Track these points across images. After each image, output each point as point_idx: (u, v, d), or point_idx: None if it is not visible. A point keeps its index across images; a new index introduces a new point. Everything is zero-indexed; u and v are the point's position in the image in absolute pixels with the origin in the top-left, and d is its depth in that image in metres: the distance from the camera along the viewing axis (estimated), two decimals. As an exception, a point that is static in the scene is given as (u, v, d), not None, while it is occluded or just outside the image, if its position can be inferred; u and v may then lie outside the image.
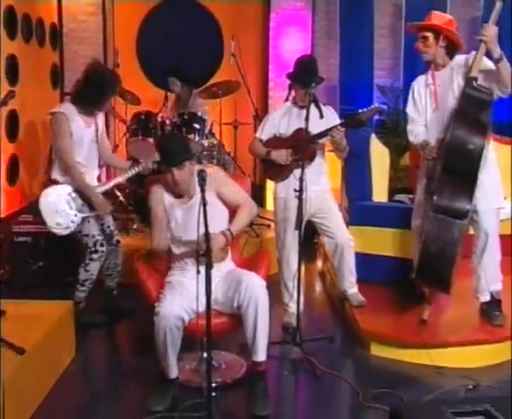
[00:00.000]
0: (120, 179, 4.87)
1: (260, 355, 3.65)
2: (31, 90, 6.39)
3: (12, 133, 6.06)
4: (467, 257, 4.46)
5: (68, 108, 4.63)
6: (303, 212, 4.30)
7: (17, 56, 6.11)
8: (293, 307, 4.61)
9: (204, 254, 2.98)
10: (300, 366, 4.23)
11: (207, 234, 2.96)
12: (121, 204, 6.76)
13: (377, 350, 4.37)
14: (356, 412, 3.70)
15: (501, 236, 5.03)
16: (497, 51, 4.03)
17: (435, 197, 4.19)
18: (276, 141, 4.78)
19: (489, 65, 4.14)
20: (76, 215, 4.60)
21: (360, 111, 4.54)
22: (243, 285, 3.59)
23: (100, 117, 4.85)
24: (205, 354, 3.44)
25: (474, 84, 4.10)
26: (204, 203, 3.08)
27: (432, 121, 4.47)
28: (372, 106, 4.63)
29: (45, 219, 4.60)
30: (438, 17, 4.42)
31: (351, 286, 4.91)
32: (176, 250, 3.93)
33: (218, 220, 3.83)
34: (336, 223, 4.80)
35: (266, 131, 4.83)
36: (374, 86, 7.99)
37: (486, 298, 4.52)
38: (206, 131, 6.22)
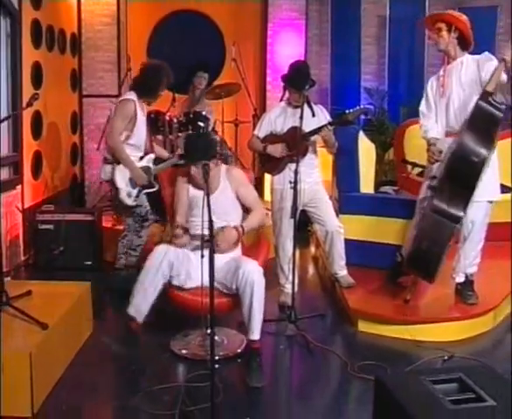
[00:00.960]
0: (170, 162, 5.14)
1: (255, 334, 3.68)
2: (53, 93, 6.39)
3: (36, 131, 6.06)
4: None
5: (134, 96, 4.84)
6: (298, 202, 4.33)
7: (41, 63, 6.10)
8: (288, 288, 4.63)
9: (208, 240, 2.98)
10: (294, 341, 4.26)
11: (210, 221, 2.97)
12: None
13: (364, 327, 4.40)
14: (345, 382, 3.72)
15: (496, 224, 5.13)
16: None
17: (435, 198, 4.17)
18: (272, 138, 4.80)
19: (504, 77, 4.05)
20: (139, 191, 4.88)
21: (347, 111, 4.56)
22: (241, 269, 3.62)
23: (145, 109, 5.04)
24: (209, 331, 3.45)
25: (490, 99, 3.99)
26: (208, 194, 3.09)
27: (440, 110, 4.42)
28: (358, 108, 4.65)
29: (119, 188, 4.81)
30: (452, 13, 4.35)
31: (341, 269, 4.93)
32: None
33: (233, 215, 3.97)
34: (327, 212, 4.82)
35: (263, 128, 4.85)
36: (361, 89, 7.99)
37: (461, 279, 4.55)
38: (210, 128, 6.22)
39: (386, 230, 5.20)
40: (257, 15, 8.08)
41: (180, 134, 6.23)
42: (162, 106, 6.61)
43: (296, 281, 4.55)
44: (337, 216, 5.22)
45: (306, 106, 4.53)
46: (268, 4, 7.81)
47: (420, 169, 6.00)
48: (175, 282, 3.80)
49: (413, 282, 4.46)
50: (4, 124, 5.24)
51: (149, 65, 5.03)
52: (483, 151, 3.99)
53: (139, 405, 3.33)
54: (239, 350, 4.02)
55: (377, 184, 6.17)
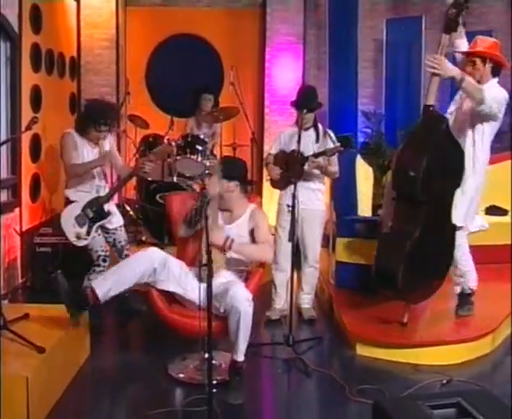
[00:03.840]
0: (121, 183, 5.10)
1: (239, 356, 3.71)
2: (52, 116, 6.41)
3: (35, 154, 6.07)
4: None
5: (74, 132, 4.74)
6: (295, 225, 4.35)
7: (41, 86, 6.13)
8: (276, 303, 4.99)
9: (205, 264, 2.99)
10: (292, 364, 4.23)
11: (208, 247, 2.98)
12: (130, 218, 6.77)
13: (362, 350, 4.38)
14: (343, 405, 3.70)
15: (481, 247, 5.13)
16: (457, 76, 4.05)
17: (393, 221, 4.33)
18: (277, 157, 4.96)
19: None
20: (89, 227, 4.65)
21: (326, 149, 4.67)
22: (228, 294, 3.61)
23: (108, 139, 4.84)
24: (207, 355, 3.45)
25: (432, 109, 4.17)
26: (206, 217, 3.10)
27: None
28: (334, 146, 4.68)
29: (66, 233, 4.65)
30: (483, 43, 4.36)
31: (308, 302, 5.12)
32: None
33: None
34: (311, 247, 4.91)
35: (274, 147, 5.06)
36: (359, 112, 8.03)
37: (457, 290, 4.65)
38: (207, 152, 6.24)
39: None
40: (255, 39, 8.15)
41: (178, 158, 6.25)
42: (160, 130, 6.66)
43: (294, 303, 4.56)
44: (335, 239, 5.24)
45: (312, 130, 4.78)
46: (266, 29, 7.88)
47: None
48: (161, 287, 3.82)
49: (408, 305, 4.45)
50: (3, 147, 5.25)
51: (89, 102, 4.95)
52: (419, 162, 4.04)
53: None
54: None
55: (375, 207, 6.18)
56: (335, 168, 4.83)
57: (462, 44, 4.47)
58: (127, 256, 4.92)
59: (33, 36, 6.00)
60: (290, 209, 4.32)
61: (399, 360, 4.20)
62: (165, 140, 6.24)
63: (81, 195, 4.70)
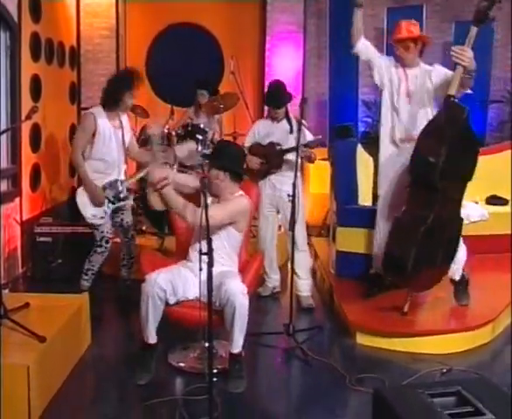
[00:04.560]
0: (144, 171, 4.91)
1: (235, 348, 3.72)
2: (52, 105, 6.40)
3: (35, 144, 6.07)
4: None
5: (98, 109, 4.71)
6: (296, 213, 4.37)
7: (40, 76, 6.11)
8: (267, 281, 5.35)
9: (205, 253, 2.98)
10: (292, 354, 4.24)
11: (208, 235, 2.97)
12: (131, 207, 6.77)
13: (362, 339, 4.39)
14: (343, 394, 3.71)
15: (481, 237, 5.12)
16: (473, 68, 4.10)
17: (407, 203, 4.30)
18: (255, 148, 5.12)
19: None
20: (108, 206, 4.69)
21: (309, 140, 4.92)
22: (223, 288, 3.60)
23: (125, 119, 4.86)
24: (207, 344, 3.45)
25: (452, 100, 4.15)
26: (206, 205, 3.09)
27: (403, 112, 4.58)
28: (316, 138, 4.99)
29: (82, 210, 4.67)
30: (414, 27, 4.54)
31: (305, 289, 5.15)
32: (190, 248, 4.00)
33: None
34: (299, 229, 4.89)
35: (248, 140, 5.22)
36: (359, 101, 8.01)
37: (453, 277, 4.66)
38: (208, 141, 6.22)
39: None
40: (255, 28, 8.13)
41: (177, 146, 6.24)
42: (161, 119, 6.65)
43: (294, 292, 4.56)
44: (335, 228, 5.24)
45: (285, 121, 5.02)
46: (266, 18, 7.86)
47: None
48: (172, 301, 3.78)
49: (409, 294, 4.46)
50: (3, 136, 5.27)
51: (113, 75, 4.92)
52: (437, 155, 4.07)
53: (137, 418, 3.32)
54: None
55: (376, 196, 6.16)
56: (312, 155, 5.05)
57: None
58: (132, 237, 5.02)
59: (33, 25, 5.98)
60: (290, 198, 4.31)
61: (399, 350, 4.21)
62: (165, 130, 6.25)
63: (98, 176, 4.68)
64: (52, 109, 6.43)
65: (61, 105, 6.94)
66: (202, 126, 6.27)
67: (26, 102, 5.64)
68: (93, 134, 4.61)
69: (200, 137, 6.04)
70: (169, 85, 7.66)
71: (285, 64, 7.82)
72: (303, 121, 4.82)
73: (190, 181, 4.07)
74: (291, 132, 4.97)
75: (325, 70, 7.94)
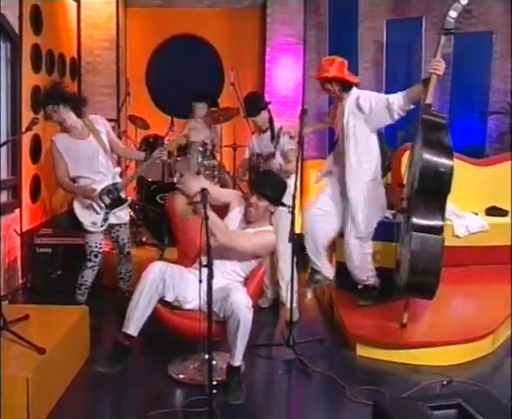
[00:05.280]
0: (139, 170, 5.22)
1: (236, 361, 3.71)
2: (52, 116, 6.41)
3: (35, 155, 6.08)
4: (444, 266, 4.46)
5: (57, 135, 4.71)
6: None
7: (41, 87, 6.11)
8: (267, 292, 5.34)
9: (206, 265, 2.98)
10: (293, 365, 4.24)
11: (208, 247, 2.97)
12: (130, 218, 6.77)
13: (363, 351, 4.39)
14: (343, 406, 3.70)
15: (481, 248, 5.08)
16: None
17: (413, 218, 4.21)
18: (243, 162, 5.44)
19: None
20: (106, 214, 4.72)
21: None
22: (229, 300, 3.59)
23: (103, 125, 4.83)
24: (207, 356, 3.45)
25: (431, 110, 4.28)
26: (206, 217, 3.10)
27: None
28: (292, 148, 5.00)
29: (81, 219, 4.71)
30: (327, 67, 4.72)
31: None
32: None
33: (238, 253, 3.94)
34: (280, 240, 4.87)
35: (246, 153, 5.41)
36: (359, 113, 8.01)
37: None
38: (208, 153, 6.24)
39: (384, 254, 5.19)
40: (255, 40, 8.15)
41: (178, 158, 6.27)
42: (160, 131, 6.66)
43: (295, 304, 4.56)
44: (335, 240, 5.24)
45: (269, 131, 5.10)
46: (266, 29, 7.87)
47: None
48: (168, 298, 3.79)
49: (407, 305, 4.45)
50: (3, 148, 5.28)
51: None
52: (446, 159, 4.12)
53: (136, 431, 3.31)
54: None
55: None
56: (289, 166, 4.95)
57: None
58: (128, 253, 4.99)
59: (34, 36, 6.01)
60: (290, 209, 4.31)
61: (399, 361, 4.21)
62: (165, 141, 6.26)
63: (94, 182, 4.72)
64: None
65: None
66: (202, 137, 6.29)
67: (27, 113, 5.66)
68: (62, 157, 4.64)
69: (200, 149, 6.06)
70: (169, 97, 7.67)
71: (285, 75, 7.84)
72: (290, 131, 4.98)
73: (223, 195, 4.12)
74: (271, 140, 5.05)
75: (325, 81, 7.94)
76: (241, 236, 3.92)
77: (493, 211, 6.48)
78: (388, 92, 7.79)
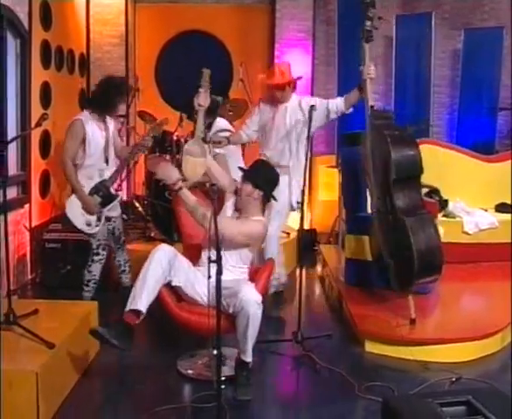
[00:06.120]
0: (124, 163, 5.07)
1: (247, 357, 3.70)
2: (62, 112, 6.41)
3: (44, 150, 6.10)
4: (453, 263, 4.47)
5: (85, 115, 4.75)
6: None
7: (50, 83, 6.15)
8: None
9: (214, 261, 2.98)
10: (301, 361, 4.23)
11: (217, 243, 2.97)
12: (139, 214, 6.79)
13: (371, 347, 4.38)
14: (352, 403, 3.69)
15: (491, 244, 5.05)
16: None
17: (398, 206, 4.39)
18: None
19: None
20: (100, 212, 4.71)
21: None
22: (239, 296, 3.58)
23: (112, 123, 4.90)
24: (215, 351, 3.44)
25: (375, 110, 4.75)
26: (215, 213, 3.10)
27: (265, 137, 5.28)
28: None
29: (74, 222, 4.69)
30: (284, 69, 5.21)
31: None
32: (202, 254, 4.02)
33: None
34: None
35: None
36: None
37: None
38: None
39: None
40: (264, 35, 8.14)
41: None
42: (169, 127, 6.65)
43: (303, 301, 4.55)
44: (344, 236, 5.24)
45: None
46: (275, 25, 7.87)
47: (427, 189, 6.01)
48: (175, 283, 3.80)
49: (410, 298, 4.44)
50: (13, 143, 5.30)
51: (104, 81, 4.83)
52: (410, 144, 4.45)
53: (145, 425, 3.32)
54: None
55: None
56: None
57: None
58: (124, 242, 5.06)
59: (43, 33, 6.02)
60: (299, 205, 4.32)
61: (408, 358, 4.19)
62: (174, 137, 6.26)
63: (93, 183, 4.73)
64: (62, 116, 6.43)
65: (71, 112, 6.90)
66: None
67: (36, 109, 5.68)
68: (83, 141, 4.64)
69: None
70: (178, 92, 7.67)
71: (294, 70, 7.80)
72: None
73: (222, 176, 4.11)
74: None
75: (334, 77, 7.93)
76: (229, 222, 3.89)
77: (502, 208, 6.45)
78: (397, 86, 7.86)
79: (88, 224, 4.71)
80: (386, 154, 4.33)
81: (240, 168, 4.14)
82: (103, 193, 4.74)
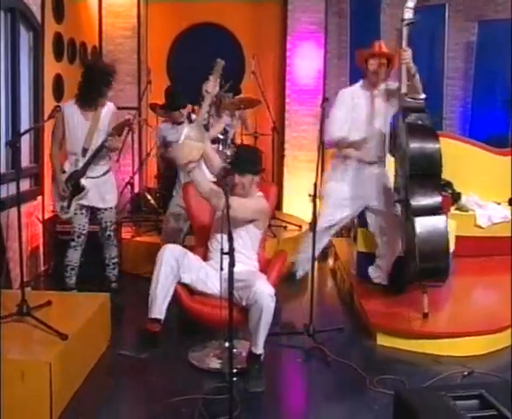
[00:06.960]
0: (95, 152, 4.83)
1: (258, 349, 3.71)
2: (74, 105, 6.45)
3: (57, 143, 6.12)
4: (466, 257, 4.45)
5: (68, 103, 4.78)
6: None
7: (63, 75, 6.17)
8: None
9: (227, 253, 2.98)
10: (312, 354, 4.23)
11: (230, 234, 2.97)
12: (151, 207, 6.79)
13: (383, 340, 4.37)
14: (364, 396, 3.68)
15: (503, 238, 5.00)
16: (413, 68, 4.44)
17: (411, 204, 4.30)
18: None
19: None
20: (69, 201, 4.76)
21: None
22: (253, 289, 3.59)
23: (105, 111, 4.78)
24: (227, 343, 3.45)
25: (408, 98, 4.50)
26: (228, 206, 3.10)
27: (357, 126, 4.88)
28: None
29: (56, 204, 4.84)
30: (392, 51, 4.87)
31: None
32: (210, 247, 4.06)
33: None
34: None
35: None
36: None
37: None
38: (229, 141, 6.22)
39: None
40: (276, 28, 8.12)
41: None
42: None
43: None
44: (356, 229, 5.23)
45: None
46: (288, 17, 7.84)
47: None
48: (185, 280, 3.85)
49: (425, 292, 4.42)
50: (26, 135, 5.32)
51: (90, 70, 4.77)
52: (432, 139, 4.34)
53: (157, 417, 3.33)
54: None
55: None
56: None
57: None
58: (109, 236, 4.99)
59: (56, 25, 6.04)
60: (311, 197, 4.31)
61: (420, 351, 4.19)
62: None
63: (69, 168, 4.79)
64: (74, 108, 6.48)
65: (83, 104, 6.98)
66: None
67: (49, 101, 5.70)
68: (63, 128, 4.69)
69: (221, 137, 6.04)
70: (189, 85, 7.67)
71: (306, 63, 7.81)
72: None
73: (217, 161, 4.09)
74: None
75: (346, 70, 7.90)
76: (237, 203, 3.82)
77: (516, 201, 6.40)
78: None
79: (62, 208, 4.79)
80: (407, 146, 4.30)
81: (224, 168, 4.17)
82: (73, 183, 4.74)
